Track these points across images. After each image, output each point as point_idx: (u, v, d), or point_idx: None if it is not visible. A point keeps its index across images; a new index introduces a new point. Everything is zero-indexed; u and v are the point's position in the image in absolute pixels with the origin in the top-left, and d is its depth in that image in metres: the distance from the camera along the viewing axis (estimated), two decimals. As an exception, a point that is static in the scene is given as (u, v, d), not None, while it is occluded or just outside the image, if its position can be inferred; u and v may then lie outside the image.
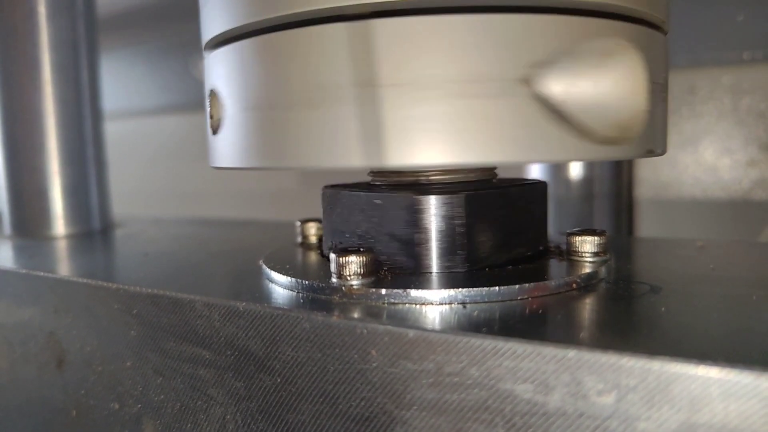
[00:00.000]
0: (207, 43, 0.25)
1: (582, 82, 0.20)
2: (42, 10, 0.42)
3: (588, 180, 0.49)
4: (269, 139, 0.22)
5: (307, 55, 0.20)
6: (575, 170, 0.50)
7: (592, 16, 0.20)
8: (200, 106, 0.28)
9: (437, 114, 0.19)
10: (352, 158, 0.20)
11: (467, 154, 0.19)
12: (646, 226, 0.55)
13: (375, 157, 0.20)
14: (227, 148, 0.24)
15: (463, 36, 0.19)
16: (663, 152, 0.24)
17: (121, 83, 0.88)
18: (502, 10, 0.19)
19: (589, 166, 0.50)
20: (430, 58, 0.19)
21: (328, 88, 0.20)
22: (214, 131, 0.25)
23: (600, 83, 0.20)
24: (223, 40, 0.23)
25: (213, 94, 0.25)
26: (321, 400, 0.20)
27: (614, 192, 0.50)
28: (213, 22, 0.23)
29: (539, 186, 0.26)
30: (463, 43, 0.19)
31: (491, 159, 0.20)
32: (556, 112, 0.20)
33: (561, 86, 0.20)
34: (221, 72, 0.24)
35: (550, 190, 0.50)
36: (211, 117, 0.25)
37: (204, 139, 0.27)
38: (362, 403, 0.20)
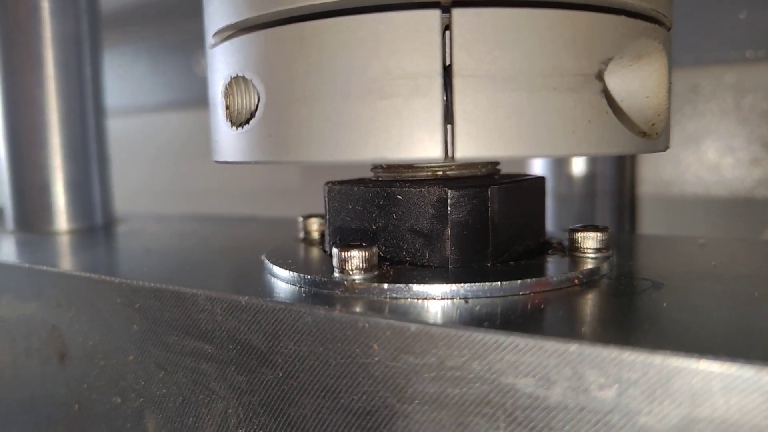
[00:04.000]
0: (231, 26, 0.23)
1: (631, 79, 0.21)
2: (45, 6, 0.42)
3: (590, 177, 0.49)
4: (330, 131, 0.20)
5: (379, 43, 0.19)
6: (578, 167, 0.50)
7: (635, 17, 0.21)
8: (203, 102, 0.28)
9: (514, 106, 0.19)
10: (423, 150, 0.20)
11: (539, 147, 0.20)
12: (649, 224, 0.55)
13: (448, 149, 0.20)
14: (264, 140, 0.22)
15: (547, 30, 0.19)
16: (666, 148, 0.24)
17: (125, 80, 0.89)
18: (576, 7, 0.20)
19: (592, 164, 0.50)
20: (513, 50, 0.19)
21: (402, 78, 0.19)
22: (238, 123, 0.23)
23: (634, 81, 0.21)
24: (267, 23, 0.22)
25: (239, 82, 0.23)
26: (323, 394, 0.20)
27: (617, 189, 0.50)
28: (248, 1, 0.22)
29: (541, 181, 0.27)
30: (546, 36, 0.19)
31: (560, 152, 0.20)
32: (613, 106, 0.21)
33: (620, 82, 0.21)
34: (260, 59, 0.22)
35: (553, 187, 0.50)
36: (229, 108, 0.23)
37: (207, 135, 0.27)
38: (364, 397, 0.20)
